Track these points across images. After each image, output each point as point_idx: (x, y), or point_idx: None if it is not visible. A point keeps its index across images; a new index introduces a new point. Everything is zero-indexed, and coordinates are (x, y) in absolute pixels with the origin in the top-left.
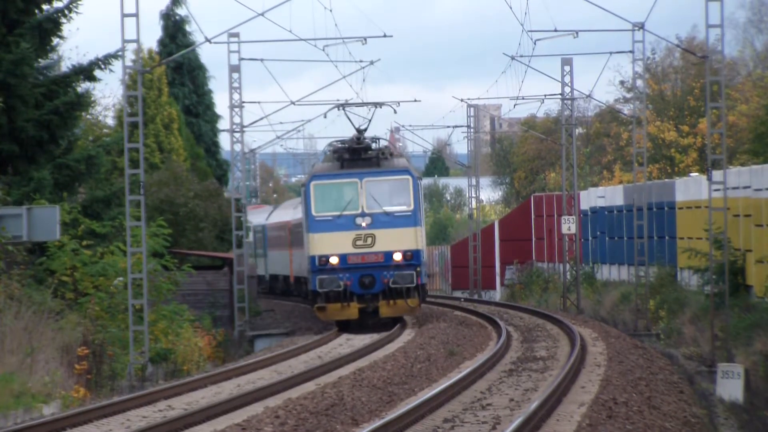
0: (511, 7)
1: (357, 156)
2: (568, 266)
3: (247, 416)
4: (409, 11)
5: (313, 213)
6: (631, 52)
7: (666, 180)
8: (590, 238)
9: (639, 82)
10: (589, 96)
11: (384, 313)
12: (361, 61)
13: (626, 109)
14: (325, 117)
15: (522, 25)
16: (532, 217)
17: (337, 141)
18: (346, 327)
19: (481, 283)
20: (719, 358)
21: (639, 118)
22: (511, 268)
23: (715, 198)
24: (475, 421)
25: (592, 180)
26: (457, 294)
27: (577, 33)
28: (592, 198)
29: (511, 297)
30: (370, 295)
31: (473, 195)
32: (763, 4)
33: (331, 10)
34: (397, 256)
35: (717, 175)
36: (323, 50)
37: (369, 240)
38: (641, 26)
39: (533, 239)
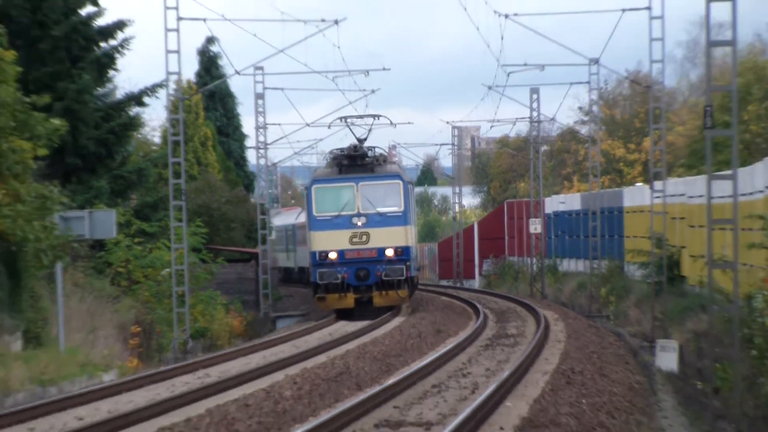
0: (488, 45)
1: (354, 162)
2: (534, 260)
3: (271, 382)
4: (404, 48)
5: (314, 213)
6: (588, 83)
7: (616, 189)
8: (553, 237)
9: (594, 108)
10: (552, 119)
11: (377, 302)
12: (364, 90)
13: (583, 130)
14: (329, 128)
15: (497, 60)
16: (505, 219)
17: (337, 149)
18: (343, 315)
19: (462, 273)
20: (658, 335)
21: (593, 137)
22: (488, 261)
23: (656, 204)
24: (458, 386)
25: (555, 189)
26: (443, 282)
27: (543, 67)
28: (554, 204)
29: (487, 285)
30: (364, 286)
31: (456, 201)
32: (697, 44)
33: (339, 47)
34: (389, 252)
35: (658, 185)
36: (333, 81)
37: (364, 237)
38: (596, 61)
39: (506, 237)
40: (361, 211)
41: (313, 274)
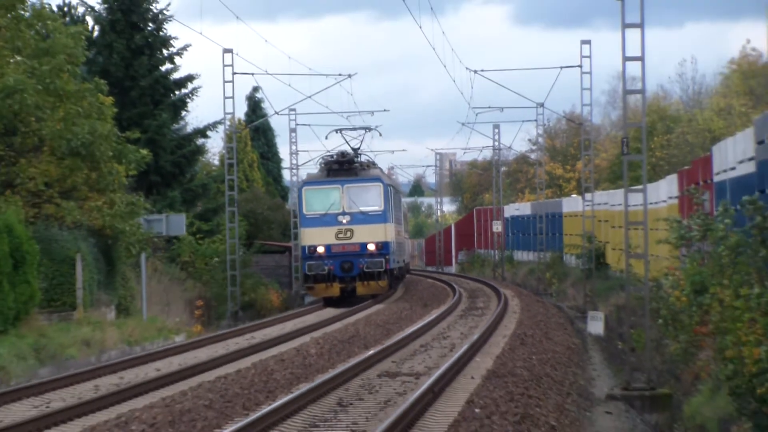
0: (462, 93)
1: (341, 167)
2: (496, 251)
3: (300, 343)
4: (401, 95)
5: (305, 212)
6: (536, 120)
7: (556, 199)
8: (510, 235)
9: (540, 139)
10: (509, 147)
11: (360, 292)
12: (370, 126)
13: (532, 156)
14: (326, 138)
15: (468, 103)
16: (474, 221)
17: (328, 155)
18: (330, 303)
19: (443, 261)
20: (589, 308)
21: (539, 161)
22: (462, 253)
23: (586, 210)
24: (440, 346)
25: (512, 199)
26: (429, 268)
27: (502, 109)
28: (511, 210)
29: (461, 270)
30: (349, 277)
31: (438, 208)
32: (616, 92)
33: (351, 94)
34: (371, 247)
35: (588, 196)
36: (347, 119)
37: (348, 233)
38: (542, 105)
39: (475, 235)
40: (346, 210)
41: (303, 266)
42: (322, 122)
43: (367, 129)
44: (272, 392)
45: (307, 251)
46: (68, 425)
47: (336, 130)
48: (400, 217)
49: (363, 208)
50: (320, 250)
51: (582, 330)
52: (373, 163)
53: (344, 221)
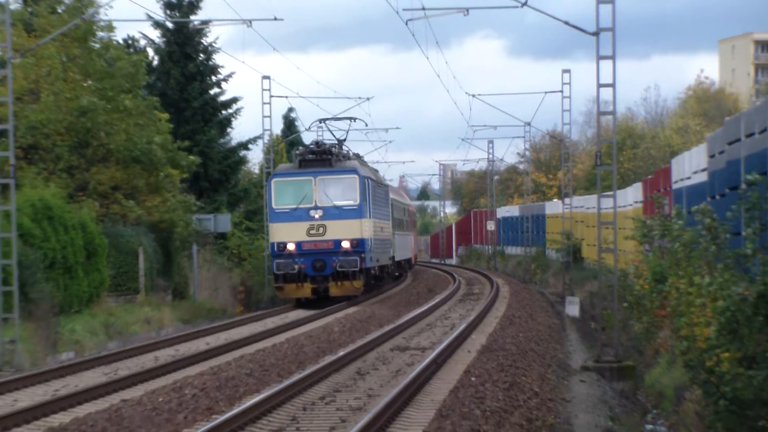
0: (462, 113)
1: (314, 158)
2: (490, 246)
3: (325, 322)
4: (411, 115)
5: (274, 206)
6: (524, 137)
7: (540, 203)
8: (502, 232)
9: (527, 153)
10: (501, 159)
11: (333, 292)
12: (384, 141)
13: (521, 167)
14: (308, 129)
15: (468, 122)
16: (472, 221)
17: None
18: (302, 303)
19: (445, 254)
20: (567, 294)
21: (526, 171)
22: (461, 248)
23: (566, 212)
24: (442, 325)
25: (503, 203)
26: (434, 260)
27: (496, 127)
28: (503, 212)
29: (460, 262)
30: (321, 277)
31: (441, 210)
32: (591, 113)
33: (369, 114)
34: (345, 244)
35: (567, 200)
36: (365, 135)
37: (321, 230)
38: (529, 124)
39: (472, 233)
40: (319, 204)
41: (271, 265)
42: (349, 140)
43: (352, 119)
44: (302, 363)
45: (276, 248)
46: (132, 389)
47: (319, 120)
48: (386, 213)
49: (337, 203)
50: (290, 247)
51: (561, 312)
52: (357, 155)
53: (316, 216)
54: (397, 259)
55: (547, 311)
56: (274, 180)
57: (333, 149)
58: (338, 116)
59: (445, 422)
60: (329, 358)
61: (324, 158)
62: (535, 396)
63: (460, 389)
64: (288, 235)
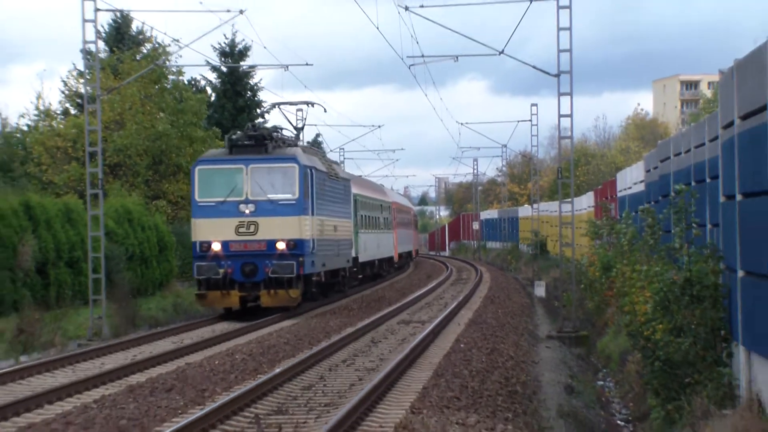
0: (453, 137)
1: (249, 143)
2: (475, 242)
3: (346, 302)
4: (413, 138)
5: (197, 198)
6: (501, 156)
7: (514, 208)
8: (484, 231)
9: (504, 169)
10: (484, 173)
11: (265, 302)
12: (392, 159)
13: (499, 179)
14: (267, 113)
15: (457, 144)
16: (461, 222)
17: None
18: (233, 314)
19: (440, 248)
20: (535, 278)
21: (503, 183)
22: (453, 243)
23: (534, 215)
24: (438, 304)
25: (485, 207)
26: (431, 253)
27: (479, 148)
28: (485, 215)
29: (452, 254)
30: (251, 283)
31: (437, 213)
32: (554, 137)
33: (380, 138)
34: (281, 245)
35: (535, 206)
36: (377, 155)
37: (252, 227)
38: (505, 146)
39: (461, 231)
40: (250, 198)
41: (192, 268)
42: (361, 157)
43: (309, 104)
44: (328, 333)
45: (198, 249)
46: (194, 354)
47: (274, 104)
48: (344, 211)
49: (272, 196)
50: (216, 247)
51: (531, 293)
52: (314, 144)
53: (247, 212)
54: (400, 251)
55: (519, 292)
56: (198, 167)
57: (274, 134)
58: (293, 102)
59: (440, 380)
60: (350, 329)
61: (259, 143)
62: (510, 359)
63: (452, 354)
64: (213, 233)
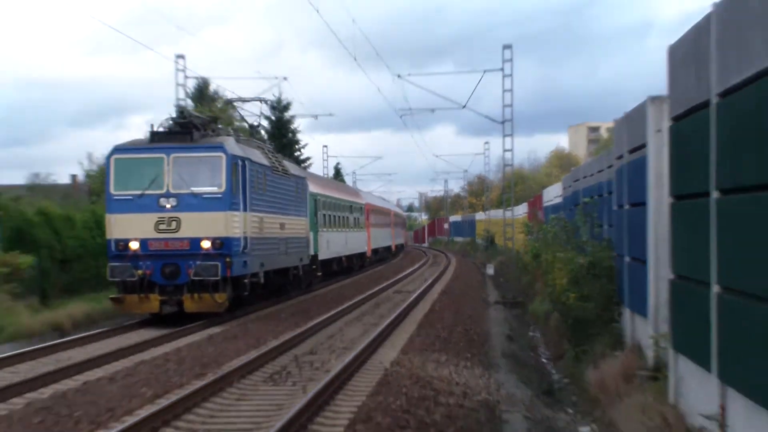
0: (431, 166)
1: (171, 131)
2: (446, 237)
3: (357, 277)
4: (402, 166)
5: (112, 191)
6: (463, 178)
7: (473, 213)
8: (452, 230)
9: (466, 186)
10: (452, 190)
11: (188, 307)
12: (389, 180)
13: (462, 193)
14: (302, 149)
15: (433, 169)
16: (436, 223)
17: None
18: (160, 319)
19: (422, 241)
20: (487, 262)
21: (465, 196)
22: (430, 239)
23: (486, 218)
24: (420, 279)
25: (453, 213)
26: (415, 245)
27: (449, 172)
28: (453, 218)
29: (429, 246)
30: (173, 286)
31: (419, 217)
32: (500, 165)
33: (381, 157)
34: (206, 244)
35: (487, 212)
36: (379, 178)
37: (173, 224)
38: (466, 170)
39: (436, 229)
40: (172, 191)
41: (107, 268)
42: (368, 179)
43: (262, 101)
44: (342, 301)
45: (114, 247)
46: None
47: (228, 101)
48: (298, 209)
49: (196, 189)
50: (133, 246)
51: (484, 273)
52: (258, 137)
53: (168, 206)
54: (375, 247)
55: (476, 272)
56: (113, 156)
57: (201, 122)
58: (247, 98)
59: (421, 330)
60: (358, 297)
61: (185, 131)
62: (470, 317)
63: (430, 314)
64: (130, 230)
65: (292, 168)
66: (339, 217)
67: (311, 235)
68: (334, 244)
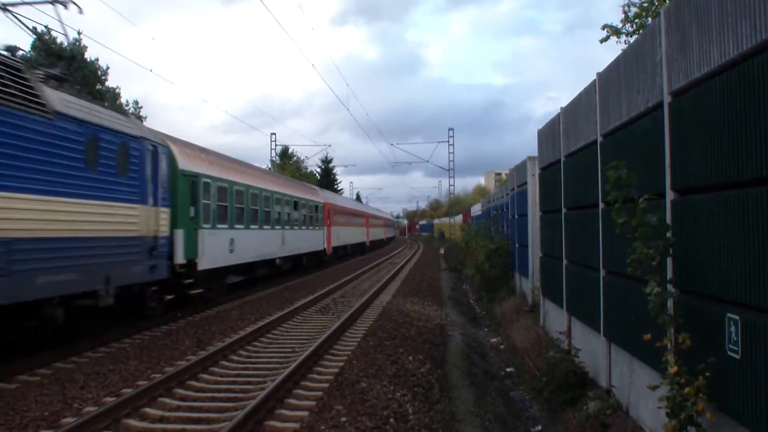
0: (410, 194)
1: None
2: (417, 233)
3: (365, 257)
4: (394, 194)
5: None
6: (428, 200)
7: (432, 220)
8: (422, 228)
9: (428, 206)
10: (420, 207)
11: None
12: (384, 201)
13: (427, 209)
14: (340, 183)
15: (411, 196)
16: (411, 226)
17: None
18: None
19: (404, 234)
20: (440, 247)
21: (428, 210)
22: (409, 233)
23: (439, 223)
24: (402, 256)
25: (421, 219)
26: (403, 237)
27: (419, 198)
28: (421, 222)
29: (408, 238)
30: None
31: (402, 221)
32: (447, 193)
33: (381, 188)
34: None
35: (439, 219)
36: (384, 202)
37: None
38: (429, 196)
39: (412, 228)
40: None
41: None
42: (375, 201)
43: (57, 2)
44: (357, 268)
45: None
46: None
47: (298, 158)
48: (134, 194)
49: None
50: None
51: (439, 253)
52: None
53: None
54: (337, 244)
55: (434, 253)
56: None
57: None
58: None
59: (405, 285)
60: (368, 266)
61: None
62: (431, 278)
63: (409, 275)
64: None
65: (96, 112)
66: (265, 212)
67: (180, 235)
68: (249, 245)
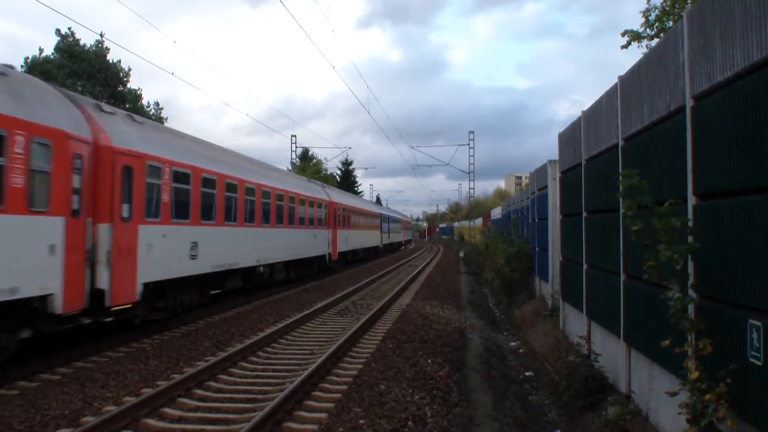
0: (430, 197)
1: None
2: (437, 236)
3: (386, 258)
4: (415, 196)
5: None
6: (448, 202)
7: (452, 223)
8: (441, 232)
9: (448, 209)
10: (442, 210)
11: None
12: (406, 204)
13: (446, 212)
14: (360, 186)
15: (431, 199)
16: (432, 228)
17: None
18: None
19: (424, 237)
20: (459, 249)
21: (448, 213)
22: (429, 236)
23: (459, 226)
24: (422, 259)
25: (441, 222)
26: (422, 239)
27: (440, 201)
28: (441, 225)
29: (428, 240)
30: None
31: (423, 224)
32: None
33: (402, 191)
34: None
35: (460, 222)
36: (404, 204)
37: None
38: (449, 199)
39: (432, 231)
40: None
41: None
42: (395, 203)
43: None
44: (376, 271)
45: None
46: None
47: (318, 161)
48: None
49: None
50: None
51: (459, 256)
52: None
53: None
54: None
55: (454, 256)
56: None
57: None
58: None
59: (424, 288)
60: (387, 269)
61: None
62: (451, 280)
63: (428, 278)
64: None
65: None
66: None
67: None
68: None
